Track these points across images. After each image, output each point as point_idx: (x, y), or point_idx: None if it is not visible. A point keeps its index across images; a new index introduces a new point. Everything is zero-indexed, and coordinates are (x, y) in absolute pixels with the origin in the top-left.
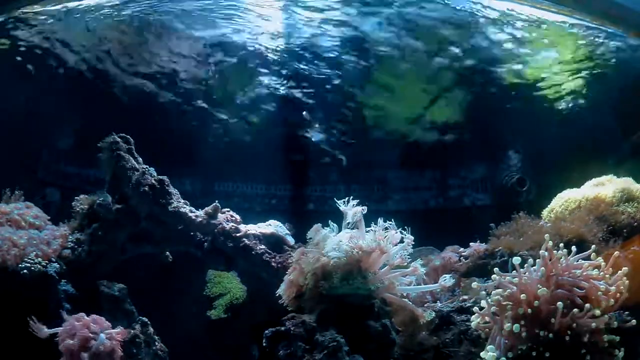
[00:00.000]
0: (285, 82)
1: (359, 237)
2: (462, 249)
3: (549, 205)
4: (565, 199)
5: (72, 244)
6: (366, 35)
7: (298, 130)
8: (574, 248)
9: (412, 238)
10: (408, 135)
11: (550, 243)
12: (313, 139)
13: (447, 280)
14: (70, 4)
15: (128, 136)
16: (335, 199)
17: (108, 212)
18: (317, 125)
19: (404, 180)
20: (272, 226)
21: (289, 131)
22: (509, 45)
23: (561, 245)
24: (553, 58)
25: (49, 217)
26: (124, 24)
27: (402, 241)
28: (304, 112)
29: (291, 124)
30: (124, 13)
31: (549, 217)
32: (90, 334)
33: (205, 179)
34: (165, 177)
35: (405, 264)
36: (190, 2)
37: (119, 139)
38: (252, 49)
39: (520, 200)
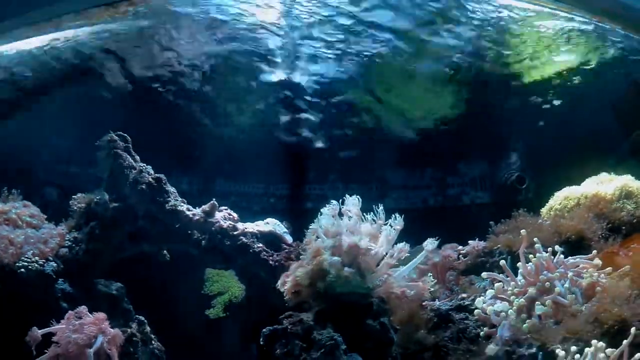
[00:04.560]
0: (284, 79)
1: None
2: (460, 247)
3: (547, 203)
4: (564, 197)
5: (69, 243)
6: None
7: (297, 128)
8: (557, 247)
9: (402, 223)
10: (407, 133)
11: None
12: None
13: (429, 244)
14: None
15: (125, 134)
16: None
17: (105, 211)
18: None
19: (403, 179)
20: (270, 224)
21: (287, 130)
22: (507, 42)
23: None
24: (553, 55)
25: (46, 217)
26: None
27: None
28: None
29: (290, 122)
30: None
31: (548, 215)
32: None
33: (204, 178)
34: (162, 175)
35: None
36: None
37: (116, 137)
38: (252, 46)
39: (519, 198)
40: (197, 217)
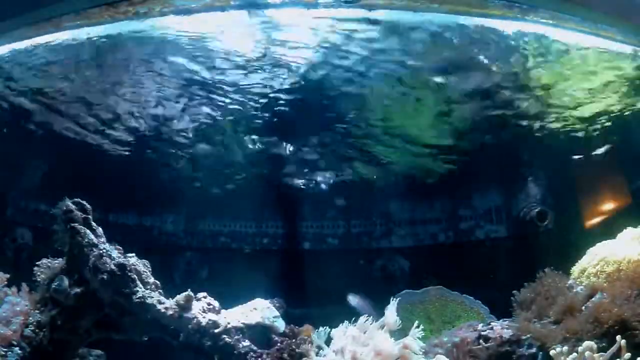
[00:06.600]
0: (277, 116)
1: None
2: (480, 326)
3: (579, 262)
4: (600, 258)
5: (33, 327)
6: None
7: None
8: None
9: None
10: (416, 162)
11: None
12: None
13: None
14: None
15: (84, 202)
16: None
17: (66, 299)
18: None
19: (410, 213)
20: (257, 310)
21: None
22: (529, 65)
23: None
24: (580, 81)
25: (8, 276)
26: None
27: None
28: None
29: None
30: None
31: (581, 279)
32: None
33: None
34: (126, 261)
35: None
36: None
37: (73, 207)
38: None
39: (538, 231)
40: (171, 312)
